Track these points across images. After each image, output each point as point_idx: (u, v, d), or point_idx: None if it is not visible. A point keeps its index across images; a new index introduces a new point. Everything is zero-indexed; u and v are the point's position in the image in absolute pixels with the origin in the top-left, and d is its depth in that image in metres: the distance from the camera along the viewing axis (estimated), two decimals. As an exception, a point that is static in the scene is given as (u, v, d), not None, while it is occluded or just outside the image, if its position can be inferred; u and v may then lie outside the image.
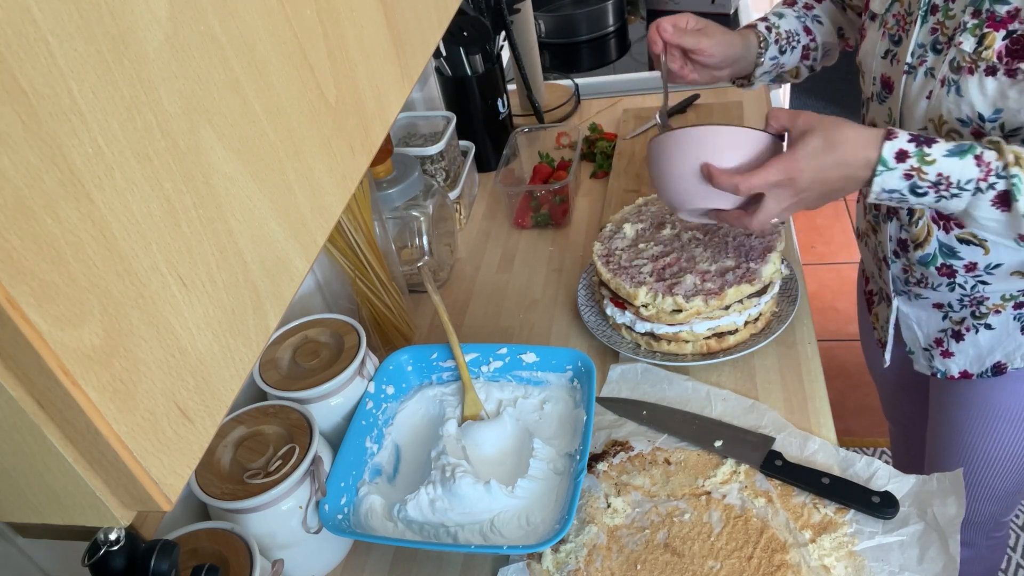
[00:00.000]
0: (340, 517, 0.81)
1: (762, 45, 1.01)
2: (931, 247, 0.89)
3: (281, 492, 0.77)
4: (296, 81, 0.46)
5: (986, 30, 0.74)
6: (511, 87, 1.60)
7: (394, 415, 0.95)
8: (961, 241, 0.86)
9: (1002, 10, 0.73)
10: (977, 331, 0.94)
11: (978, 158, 0.70)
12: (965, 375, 0.98)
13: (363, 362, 0.91)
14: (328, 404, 0.89)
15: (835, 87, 3.47)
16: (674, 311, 0.96)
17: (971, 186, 0.71)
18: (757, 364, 0.99)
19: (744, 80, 1.04)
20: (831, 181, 0.75)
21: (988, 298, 0.92)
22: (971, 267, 0.88)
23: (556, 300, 1.17)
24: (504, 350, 0.97)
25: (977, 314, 0.94)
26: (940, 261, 0.89)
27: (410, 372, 0.98)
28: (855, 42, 1.01)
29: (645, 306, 0.97)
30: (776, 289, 1.01)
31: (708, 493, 0.84)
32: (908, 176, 0.72)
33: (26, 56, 0.28)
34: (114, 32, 0.32)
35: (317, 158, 0.49)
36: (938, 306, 0.97)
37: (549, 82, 1.66)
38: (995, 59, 0.74)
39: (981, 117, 0.77)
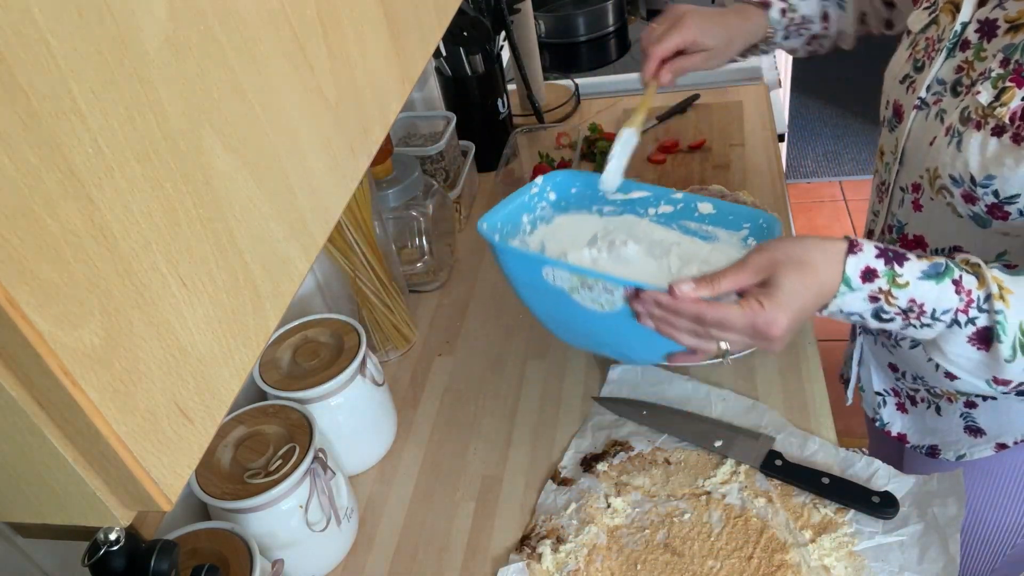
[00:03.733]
0: (497, 238, 0.79)
1: (770, 32, 0.93)
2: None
3: (281, 492, 0.77)
4: (296, 81, 0.46)
5: (1008, 84, 0.66)
6: (511, 87, 1.59)
7: (550, 219, 0.89)
8: None
9: None
10: (929, 406, 0.92)
11: (957, 284, 0.61)
12: (902, 438, 0.99)
13: (363, 362, 0.91)
14: (328, 404, 0.89)
15: (835, 87, 3.48)
16: (675, 311, 0.95)
17: (947, 317, 0.61)
18: (757, 364, 0.99)
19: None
20: (809, 311, 0.64)
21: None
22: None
23: (556, 300, 1.17)
24: (679, 195, 0.86)
25: (932, 392, 0.91)
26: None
27: (574, 194, 0.91)
28: (878, 31, 0.95)
29: (645, 306, 0.97)
30: (776, 289, 1.00)
31: (708, 493, 0.84)
32: (874, 299, 0.62)
33: (26, 56, 0.28)
34: (114, 32, 0.32)
35: (317, 158, 0.49)
36: (892, 367, 0.95)
37: (549, 82, 1.66)
38: (1007, 119, 0.65)
39: (973, 180, 0.69)
